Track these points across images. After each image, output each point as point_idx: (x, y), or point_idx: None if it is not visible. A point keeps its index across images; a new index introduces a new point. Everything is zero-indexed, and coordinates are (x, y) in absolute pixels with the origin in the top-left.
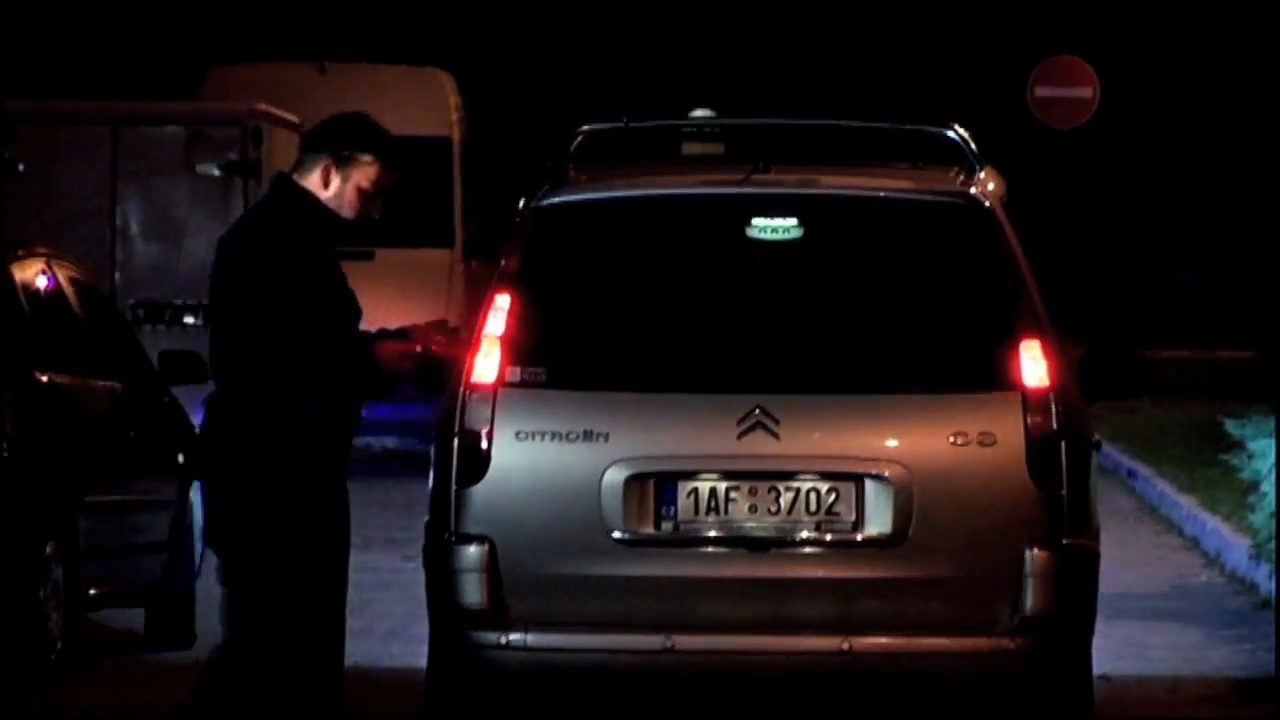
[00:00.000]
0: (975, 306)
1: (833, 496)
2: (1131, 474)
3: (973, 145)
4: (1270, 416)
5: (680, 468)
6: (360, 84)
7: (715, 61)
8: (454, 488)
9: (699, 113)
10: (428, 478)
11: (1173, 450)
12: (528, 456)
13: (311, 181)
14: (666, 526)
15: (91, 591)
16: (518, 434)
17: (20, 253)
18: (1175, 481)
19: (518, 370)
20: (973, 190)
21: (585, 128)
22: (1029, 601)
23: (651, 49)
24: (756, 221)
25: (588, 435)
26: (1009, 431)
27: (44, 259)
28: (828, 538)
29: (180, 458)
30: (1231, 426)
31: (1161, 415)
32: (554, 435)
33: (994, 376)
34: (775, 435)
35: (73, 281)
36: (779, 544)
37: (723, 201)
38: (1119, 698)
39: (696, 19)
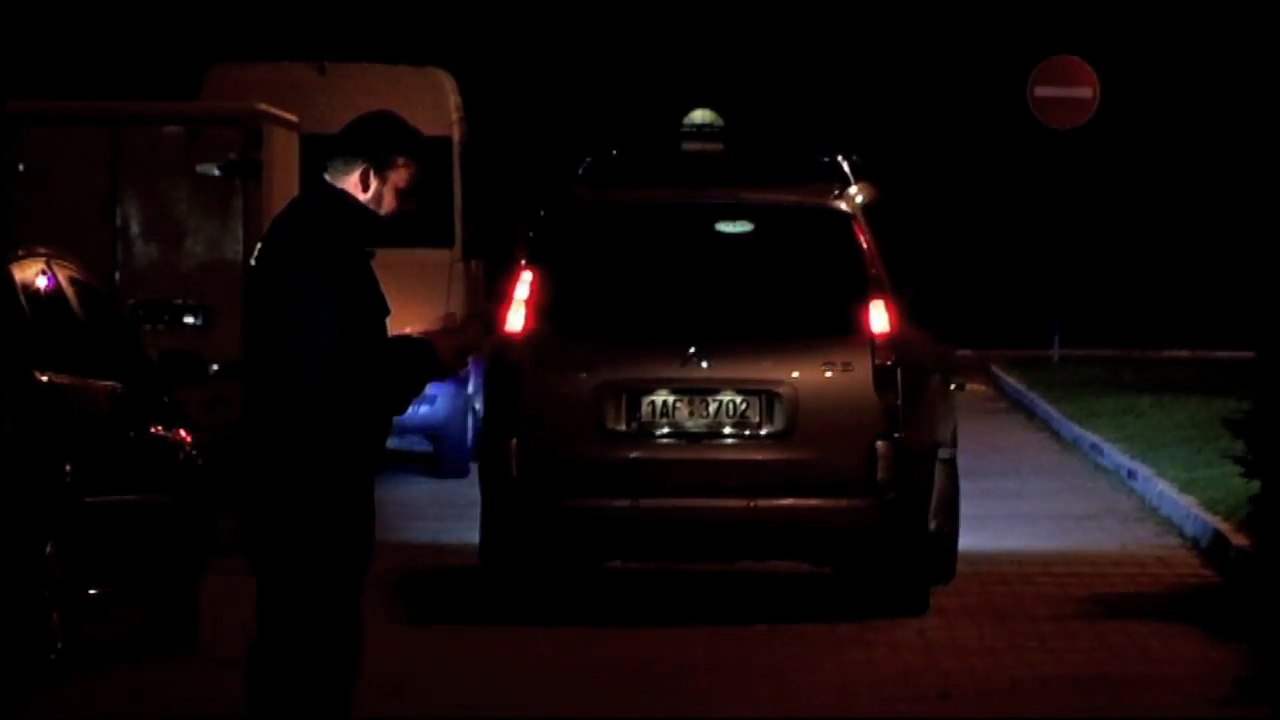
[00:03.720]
0: (840, 280)
1: (745, 405)
2: (1131, 474)
3: (846, 170)
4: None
5: (643, 386)
6: (360, 84)
7: (715, 61)
8: (499, 403)
9: (699, 113)
10: (425, 477)
11: (1173, 450)
12: (544, 380)
13: (349, 184)
14: (634, 425)
15: (91, 591)
16: (539, 365)
17: (20, 253)
18: (1175, 481)
19: (536, 322)
20: (838, 202)
21: (588, 158)
22: (878, 474)
23: (651, 49)
24: (696, 222)
25: (583, 365)
26: (861, 363)
27: (44, 259)
28: (742, 433)
29: (181, 456)
30: (1232, 427)
31: (1161, 415)
32: (561, 365)
33: (852, 326)
34: (706, 365)
35: (73, 281)
36: (708, 437)
37: (675, 208)
38: (1119, 697)
39: (696, 19)
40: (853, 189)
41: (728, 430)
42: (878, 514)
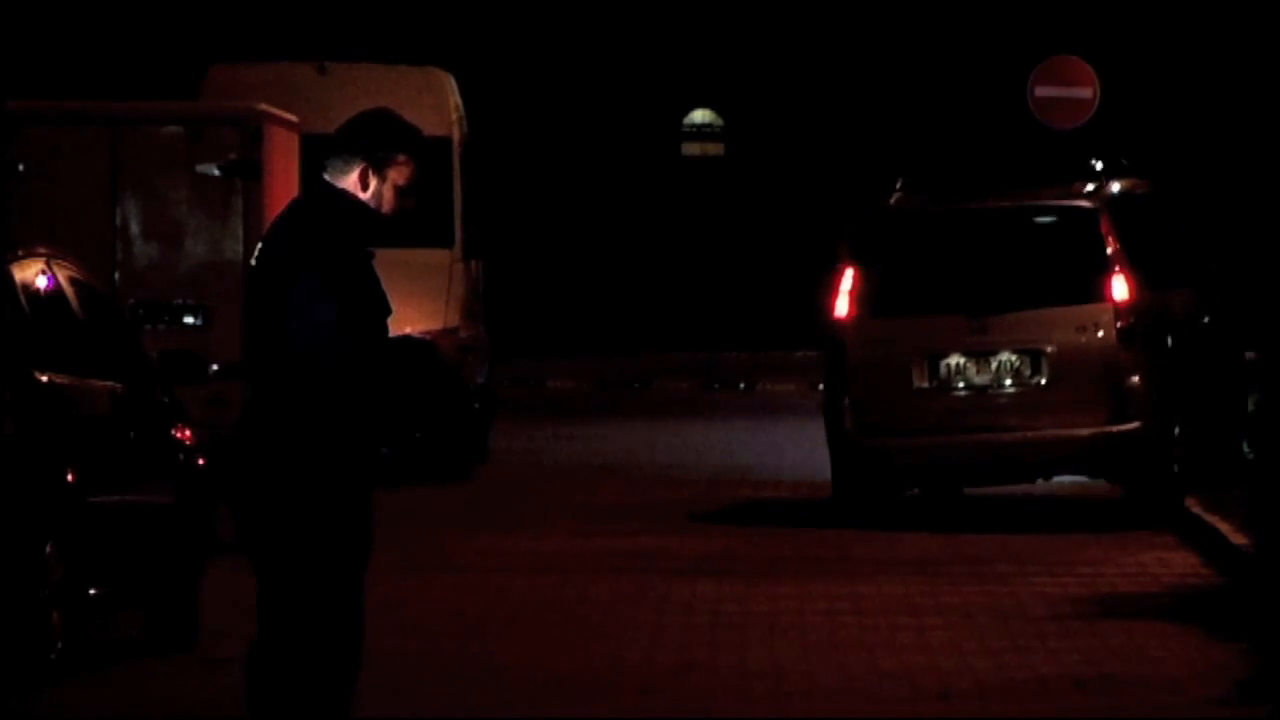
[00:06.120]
0: (1088, 260)
1: (1019, 361)
2: None
3: (1099, 170)
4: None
5: (940, 352)
6: (360, 84)
7: (715, 61)
8: (833, 372)
9: (699, 113)
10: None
11: None
12: (866, 352)
13: (348, 183)
14: (934, 382)
15: (91, 591)
16: (861, 341)
17: (20, 253)
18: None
19: (859, 307)
20: (1086, 200)
21: (902, 179)
22: (1127, 408)
23: (651, 49)
24: (980, 222)
25: (895, 339)
26: (1108, 325)
27: (44, 259)
28: (1017, 383)
29: (181, 456)
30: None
31: None
32: (878, 340)
33: (1100, 296)
34: (988, 333)
35: (73, 281)
36: (992, 388)
37: (963, 214)
38: (1119, 697)
39: (696, 19)
40: (1114, 185)
41: (1007, 382)
42: (1123, 440)
